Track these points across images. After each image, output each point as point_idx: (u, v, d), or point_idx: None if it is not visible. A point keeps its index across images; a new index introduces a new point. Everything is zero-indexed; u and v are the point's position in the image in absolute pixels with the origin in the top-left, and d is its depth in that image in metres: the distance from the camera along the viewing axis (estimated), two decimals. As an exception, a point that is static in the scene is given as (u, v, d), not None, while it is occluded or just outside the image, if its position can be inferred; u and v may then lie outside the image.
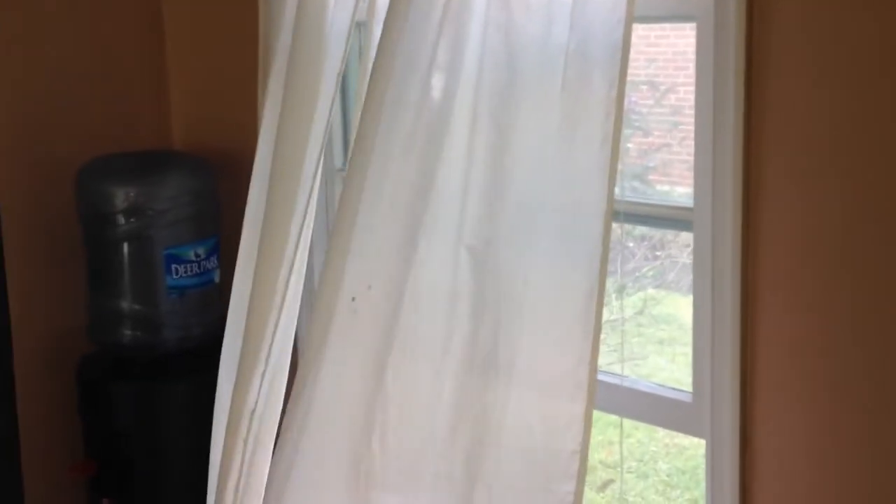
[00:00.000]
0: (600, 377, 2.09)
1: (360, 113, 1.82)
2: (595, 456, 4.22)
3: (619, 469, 4.23)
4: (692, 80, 4.12)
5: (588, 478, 4.14)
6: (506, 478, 1.76)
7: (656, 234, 4.65)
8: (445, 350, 1.79)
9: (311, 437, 1.84)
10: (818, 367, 1.77)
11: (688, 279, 4.65)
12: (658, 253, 4.79)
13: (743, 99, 1.76)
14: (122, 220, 2.50)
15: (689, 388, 2.01)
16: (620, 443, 3.81)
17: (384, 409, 1.83)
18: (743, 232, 1.81)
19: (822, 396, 1.77)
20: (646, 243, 4.76)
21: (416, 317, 1.80)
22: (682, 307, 4.76)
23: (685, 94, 4.32)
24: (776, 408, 1.83)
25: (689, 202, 1.96)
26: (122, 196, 2.51)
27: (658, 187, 4.35)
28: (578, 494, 1.68)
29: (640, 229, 4.54)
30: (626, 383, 2.11)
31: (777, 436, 1.84)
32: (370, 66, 1.80)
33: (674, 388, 2.08)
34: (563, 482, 1.68)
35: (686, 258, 4.64)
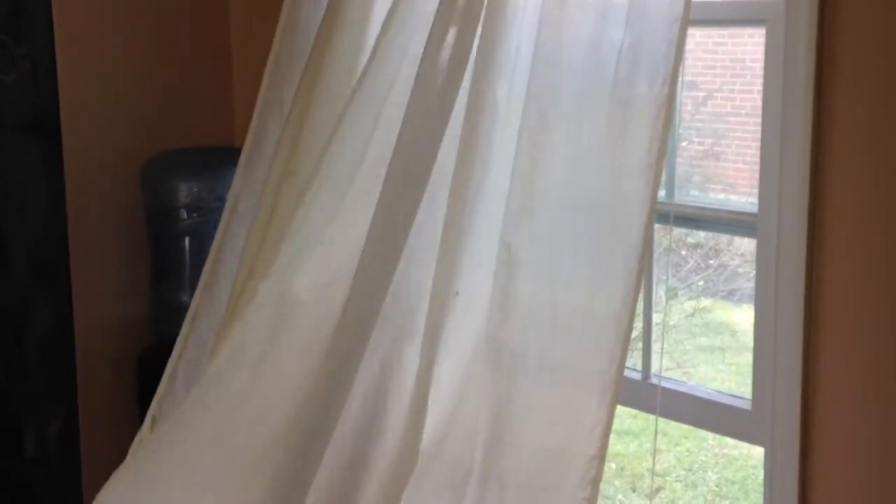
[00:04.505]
0: (657, 382, 2.08)
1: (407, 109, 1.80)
2: (643, 464, 4.20)
3: (667, 478, 4.21)
4: (749, 86, 4.10)
5: (636, 484, 4.12)
6: (521, 478, 1.73)
7: (710, 241, 4.63)
8: (476, 344, 1.78)
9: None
10: (882, 378, 1.74)
11: (739, 288, 4.63)
12: (711, 261, 4.77)
13: (812, 103, 1.74)
14: (184, 214, 2.53)
15: (746, 396, 1.99)
16: (654, 450, 3.78)
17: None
18: (809, 239, 1.79)
19: (885, 408, 1.74)
20: (699, 251, 4.74)
21: (454, 311, 1.78)
22: (733, 316, 4.73)
23: (741, 100, 4.30)
24: (838, 418, 1.81)
25: (750, 207, 1.94)
26: (185, 191, 2.54)
27: (712, 194, 4.33)
28: (592, 502, 1.61)
29: (693, 237, 4.52)
30: (683, 389, 2.10)
31: (838, 446, 1.81)
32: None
33: (733, 395, 2.06)
34: (579, 488, 1.61)
35: (738, 267, 4.62)
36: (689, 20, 1.60)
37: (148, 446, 2.05)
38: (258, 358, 1.94)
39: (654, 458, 3.85)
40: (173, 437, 1.99)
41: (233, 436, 1.93)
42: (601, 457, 1.62)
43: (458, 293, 1.76)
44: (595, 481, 1.62)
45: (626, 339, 1.62)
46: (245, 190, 2.15)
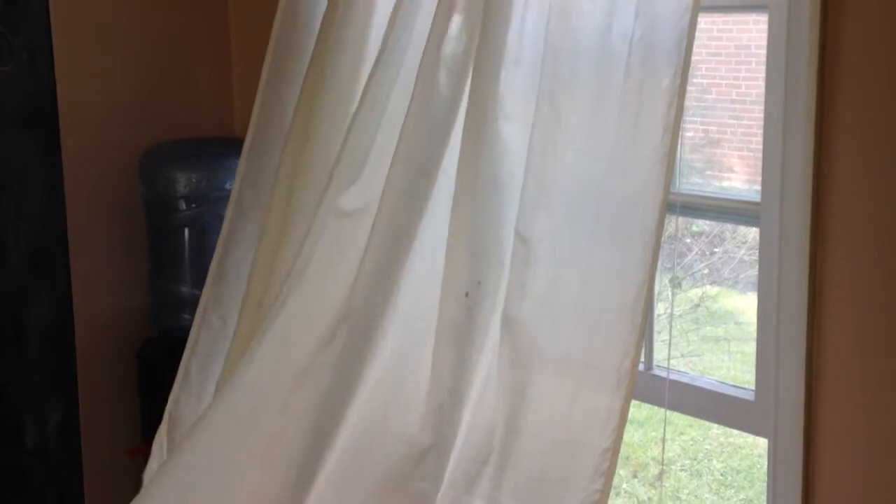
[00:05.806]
0: (659, 373, 2.07)
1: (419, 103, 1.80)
2: (647, 453, 4.20)
3: (672, 466, 4.20)
4: (754, 74, 4.07)
5: (640, 473, 4.11)
6: (536, 469, 1.71)
7: (714, 229, 4.61)
8: (491, 336, 1.78)
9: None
10: (886, 367, 1.73)
11: (744, 276, 4.62)
12: (716, 249, 4.75)
13: (815, 91, 1.72)
14: (183, 205, 2.52)
15: (750, 386, 1.98)
16: (663, 439, 3.78)
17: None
18: (812, 227, 1.78)
19: (889, 398, 1.73)
20: (703, 239, 4.72)
21: (467, 301, 1.78)
22: (738, 304, 4.72)
23: (747, 88, 4.27)
24: (842, 408, 1.79)
25: (755, 196, 1.92)
26: (184, 181, 2.53)
27: (717, 182, 4.31)
28: (605, 494, 1.61)
29: (698, 225, 4.50)
30: (686, 379, 2.08)
31: (842, 437, 1.80)
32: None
33: (736, 386, 2.05)
34: (592, 479, 1.62)
35: (744, 255, 4.60)
36: (699, 9, 1.58)
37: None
38: (278, 349, 1.93)
39: (663, 449, 3.85)
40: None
41: (259, 423, 1.93)
42: (615, 449, 1.62)
43: (467, 294, 1.76)
44: (608, 473, 1.62)
45: (641, 332, 1.62)
46: (248, 182, 2.14)
